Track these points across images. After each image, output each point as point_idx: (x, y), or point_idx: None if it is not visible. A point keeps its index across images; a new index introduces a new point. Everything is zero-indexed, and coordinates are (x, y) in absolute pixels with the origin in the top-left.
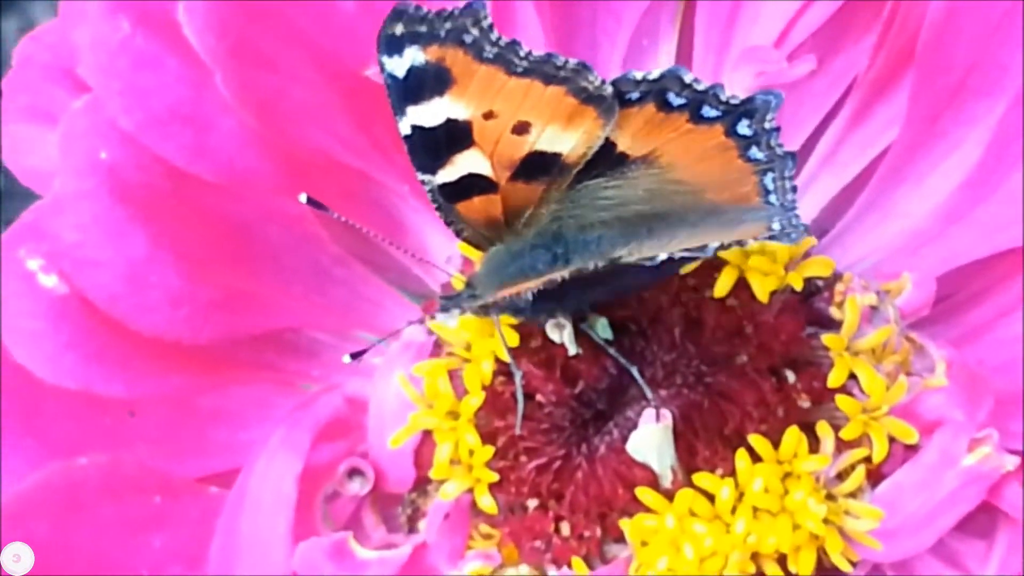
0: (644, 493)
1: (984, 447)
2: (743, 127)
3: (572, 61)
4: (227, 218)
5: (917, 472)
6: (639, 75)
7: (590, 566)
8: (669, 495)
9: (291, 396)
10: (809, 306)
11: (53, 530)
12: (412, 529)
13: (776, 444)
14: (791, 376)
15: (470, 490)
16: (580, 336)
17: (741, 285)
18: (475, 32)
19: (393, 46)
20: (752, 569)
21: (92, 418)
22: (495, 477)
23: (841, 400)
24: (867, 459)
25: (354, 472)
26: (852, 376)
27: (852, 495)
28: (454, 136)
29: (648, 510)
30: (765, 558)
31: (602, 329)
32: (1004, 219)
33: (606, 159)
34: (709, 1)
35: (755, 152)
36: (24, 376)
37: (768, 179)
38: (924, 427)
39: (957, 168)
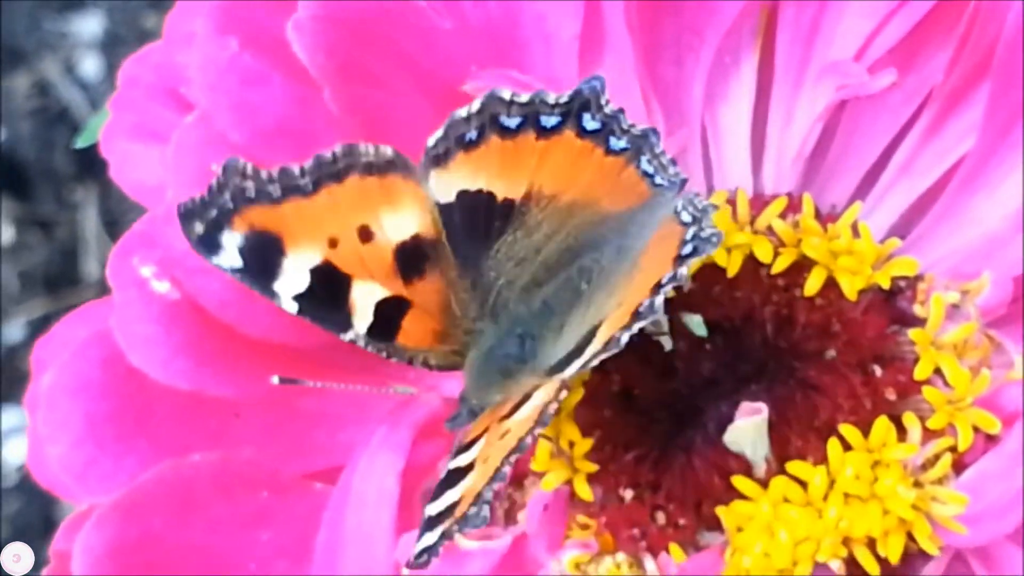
0: (740, 481)
1: None
2: (588, 121)
3: (338, 147)
4: None
5: (1000, 460)
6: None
7: (684, 554)
8: (763, 483)
9: (387, 399)
10: (892, 304)
11: (168, 524)
12: (509, 522)
13: (865, 434)
14: (878, 370)
15: (568, 481)
16: (675, 333)
17: (829, 284)
18: (250, 185)
19: (209, 246)
20: (844, 553)
21: (200, 420)
22: (594, 468)
23: (928, 391)
24: (951, 448)
25: None
26: (936, 371)
27: (938, 482)
28: (329, 286)
29: (743, 497)
30: (856, 542)
31: (697, 327)
32: None
33: (496, 216)
34: (789, 20)
35: (615, 142)
36: (137, 379)
37: (644, 162)
38: (1005, 418)
39: None
